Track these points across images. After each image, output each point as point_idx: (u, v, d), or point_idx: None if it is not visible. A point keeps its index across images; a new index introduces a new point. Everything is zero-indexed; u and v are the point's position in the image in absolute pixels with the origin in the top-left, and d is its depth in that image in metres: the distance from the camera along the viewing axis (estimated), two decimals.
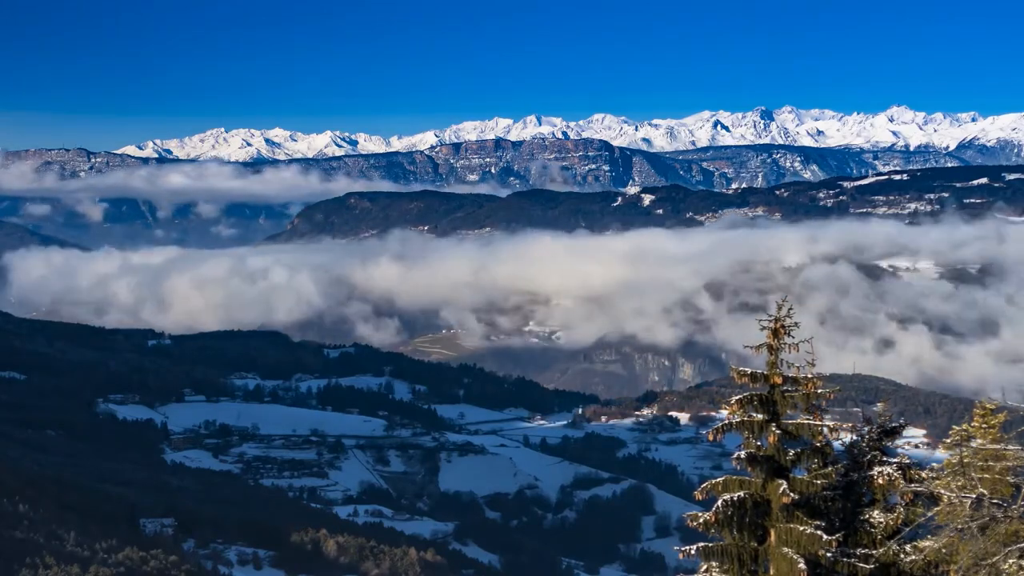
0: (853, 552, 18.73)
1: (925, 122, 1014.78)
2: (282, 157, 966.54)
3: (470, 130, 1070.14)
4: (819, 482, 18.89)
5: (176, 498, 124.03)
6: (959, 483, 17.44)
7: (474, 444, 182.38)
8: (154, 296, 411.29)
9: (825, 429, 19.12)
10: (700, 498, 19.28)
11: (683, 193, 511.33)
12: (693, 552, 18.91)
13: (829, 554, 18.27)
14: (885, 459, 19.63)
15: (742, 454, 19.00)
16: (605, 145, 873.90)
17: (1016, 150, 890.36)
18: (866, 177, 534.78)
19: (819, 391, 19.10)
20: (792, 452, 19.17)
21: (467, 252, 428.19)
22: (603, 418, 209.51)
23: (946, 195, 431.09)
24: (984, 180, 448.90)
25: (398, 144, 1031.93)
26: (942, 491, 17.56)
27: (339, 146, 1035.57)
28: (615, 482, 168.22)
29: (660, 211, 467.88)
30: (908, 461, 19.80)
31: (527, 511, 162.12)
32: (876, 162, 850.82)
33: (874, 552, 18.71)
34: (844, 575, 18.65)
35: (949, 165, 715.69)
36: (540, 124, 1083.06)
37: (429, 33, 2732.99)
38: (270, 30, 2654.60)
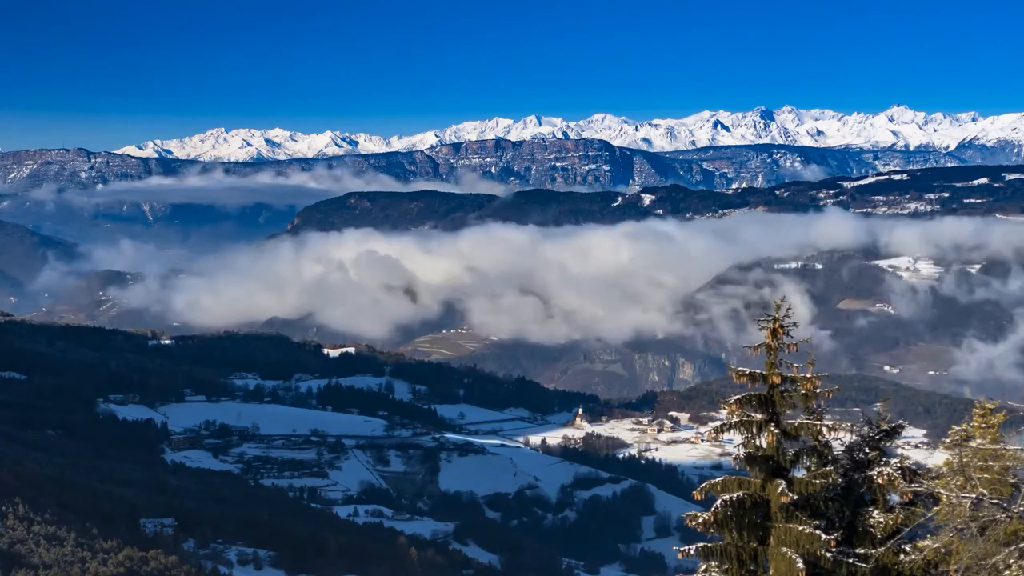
0: (853, 552, 18.70)
1: (925, 122, 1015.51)
2: (282, 157, 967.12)
3: (470, 130, 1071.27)
4: (818, 482, 18.86)
5: (176, 498, 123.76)
6: (959, 483, 17.41)
7: (474, 444, 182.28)
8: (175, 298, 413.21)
9: (824, 429, 19.10)
10: (699, 498, 19.28)
11: (683, 193, 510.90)
12: (692, 552, 18.90)
13: (828, 554, 18.25)
14: (885, 459, 19.62)
15: (741, 454, 18.99)
16: (605, 145, 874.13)
17: (1016, 150, 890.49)
18: (866, 177, 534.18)
19: (818, 391, 19.08)
20: (791, 452, 19.16)
21: (468, 251, 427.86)
22: (603, 418, 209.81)
23: (946, 195, 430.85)
24: (984, 180, 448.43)
25: (398, 144, 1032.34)
26: (942, 491, 17.53)
27: (339, 146, 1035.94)
28: (615, 482, 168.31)
29: (660, 211, 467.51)
30: (908, 461, 19.79)
31: (527, 511, 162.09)
32: (876, 162, 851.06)
33: (874, 552, 18.68)
34: (844, 575, 18.63)
35: (949, 165, 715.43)
36: (540, 124, 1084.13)
37: (429, 33, 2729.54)
38: (270, 30, 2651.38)
